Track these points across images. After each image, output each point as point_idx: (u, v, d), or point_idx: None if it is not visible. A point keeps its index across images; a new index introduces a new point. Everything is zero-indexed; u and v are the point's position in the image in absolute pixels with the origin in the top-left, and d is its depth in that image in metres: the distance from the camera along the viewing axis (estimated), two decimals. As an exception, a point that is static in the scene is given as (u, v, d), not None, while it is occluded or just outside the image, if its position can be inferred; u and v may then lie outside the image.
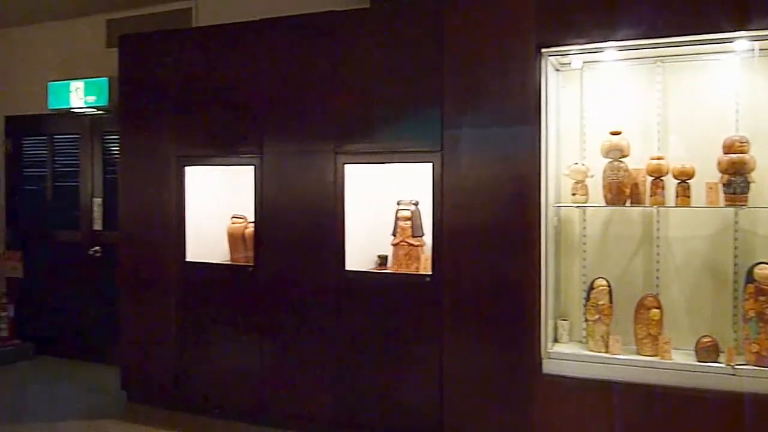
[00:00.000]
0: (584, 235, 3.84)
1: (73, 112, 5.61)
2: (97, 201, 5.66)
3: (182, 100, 4.40)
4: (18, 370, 5.58)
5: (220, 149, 4.34)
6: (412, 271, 3.95)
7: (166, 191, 4.43)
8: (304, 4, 4.36)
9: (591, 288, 3.65)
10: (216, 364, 4.32)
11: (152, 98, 4.51)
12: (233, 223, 4.55)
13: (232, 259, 4.54)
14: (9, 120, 6.08)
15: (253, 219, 4.31)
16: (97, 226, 5.66)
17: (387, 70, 3.85)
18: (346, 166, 3.93)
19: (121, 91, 4.66)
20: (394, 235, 4.05)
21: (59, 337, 5.85)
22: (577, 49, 3.51)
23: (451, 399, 3.68)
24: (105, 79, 5.41)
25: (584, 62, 3.75)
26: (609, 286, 3.63)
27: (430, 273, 3.75)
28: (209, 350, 4.35)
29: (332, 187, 3.95)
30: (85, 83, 5.49)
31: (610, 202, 3.60)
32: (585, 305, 3.67)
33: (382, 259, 4.19)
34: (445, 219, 3.67)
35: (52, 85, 5.63)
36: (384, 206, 4.11)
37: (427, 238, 3.95)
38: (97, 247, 5.63)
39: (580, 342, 3.79)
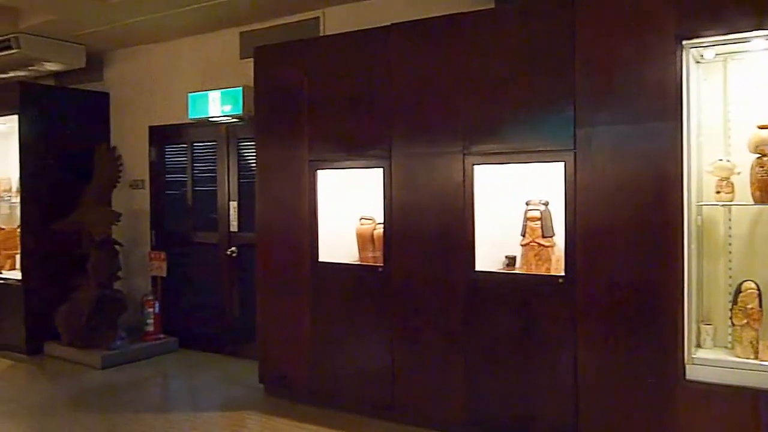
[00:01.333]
0: (730, 236, 3.64)
1: (210, 120, 5.98)
2: (233, 204, 5.99)
3: (314, 106, 4.59)
4: (163, 362, 6.01)
5: (350, 153, 4.48)
6: (542, 272, 3.90)
7: (299, 194, 4.64)
8: (428, 8, 4.44)
9: (738, 291, 3.46)
10: (348, 361, 4.47)
11: (285, 105, 4.73)
12: (362, 224, 4.69)
13: (360, 259, 4.67)
14: (152, 130, 6.56)
15: (381, 220, 4.43)
16: (233, 227, 6.00)
17: (515, 69, 3.83)
18: (475, 167, 3.94)
19: (257, 100, 4.92)
20: (523, 235, 4.02)
21: (200, 332, 6.25)
22: (722, 40, 3.33)
23: (586, 405, 3.60)
24: (239, 89, 5.72)
25: (728, 53, 3.55)
26: (758, 289, 3.43)
27: (563, 274, 3.69)
28: (341, 347, 4.50)
29: (461, 188, 3.98)
30: (222, 93, 5.83)
31: (758, 200, 3.39)
32: (731, 309, 3.48)
33: (511, 260, 4.17)
34: (578, 219, 3.60)
35: (192, 96, 6.02)
36: (511, 206, 4.09)
37: (557, 239, 3.90)
38: (233, 248, 5.97)
39: (725, 347, 3.60)
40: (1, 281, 6.51)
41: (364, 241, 4.66)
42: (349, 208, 4.75)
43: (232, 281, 6.01)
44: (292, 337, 4.70)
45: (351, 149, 4.47)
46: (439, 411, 4.12)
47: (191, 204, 6.34)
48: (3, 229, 7.05)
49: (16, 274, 6.54)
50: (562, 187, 3.67)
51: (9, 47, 6.10)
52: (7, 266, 6.82)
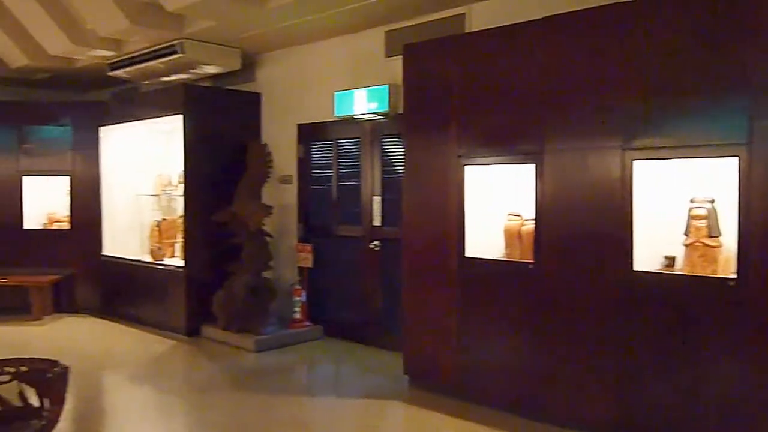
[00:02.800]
0: None
1: (355, 118, 6.17)
2: (377, 199, 6.15)
3: (462, 101, 4.62)
4: (309, 349, 6.29)
5: (499, 148, 4.47)
6: (708, 273, 3.69)
7: (446, 189, 4.69)
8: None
9: None
10: (494, 357, 4.47)
11: (434, 101, 4.79)
12: (509, 220, 4.66)
13: (506, 256, 4.64)
14: (301, 128, 6.87)
15: (530, 217, 4.38)
16: (377, 222, 6.16)
17: (677, 59, 3.64)
18: (634, 162, 3.80)
19: (405, 96, 5.02)
20: (686, 234, 3.82)
21: (343, 322, 6.48)
22: None
23: (758, 426, 3.37)
24: (385, 87, 5.87)
25: None
26: None
27: (734, 276, 3.47)
28: (488, 343, 4.50)
29: (618, 185, 3.85)
30: (367, 91, 6.00)
31: None
32: None
33: (670, 260, 3.97)
34: (755, 218, 3.37)
35: (338, 95, 6.25)
36: (671, 204, 3.90)
37: (724, 239, 3.68)
38: (376, 242, 6.13)
39: None
40: (164, 267, 7.08)
41: (511, 237, 4.63)
42: (495, 203, 4.74)
43: (375, 274, 6.18)
44: (437, 330, 4.77)
45: (501, 145, 4.45)
46: (588, 413, 4.02)
47: (336, 198, 6.58)
48: (165, 219, 7.68)
49: (176, 261, 7.11)
50: (731, 183, 3.45)
51: (174, 52, 6.61)
52: (169, 254, 7.43)
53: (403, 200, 5.04)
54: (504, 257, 4.64)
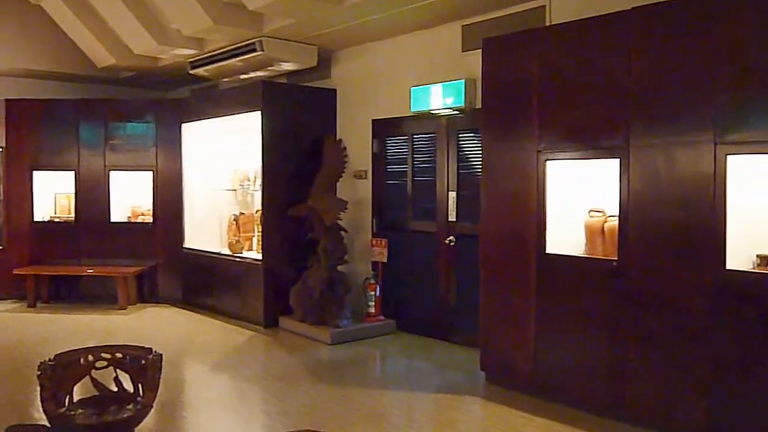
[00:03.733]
0: None
1: (431, 113, 6.16)
2: (452, 194, 6.13)
3: (543, 95, 4.54)
4: (383, 343, 6.34)
5: (581, 143, 4.37)
6: (808, 274, 3.51)
7: (526, 185, 4.62)
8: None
9: None
10: (574, 355, 4.38)
11: (513, 96, 4.73)
12: (591, 216, 4.56)
13: (588, 253, 4.54)
14: (375, 123, 6.92)
15: (613, 213, 4.27)
16: (452, 217, 6.13)
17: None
18: (728, 157, 3.65)
19: (484, 90, 4.97)
20: (785, 233, 3.64)
21: (417, 317, 6.50)
22: None
23: None
24: (461, 82, 5.84)
25: None
26: None
27: (839, 277, 3.29)
28: (568, 340, 4.42)
29: (711, 181, 3.70)
30: (443, 86, 5.98)
31: None
32: None
33: (763, 259, 3.79)
34: None
35: (414, 90, 6.25)
36: (764, 200, 3.72)
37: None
38: (451, 237, 6.11)
39: None
40: (242, 260, 7.28)
41: (593, 233, 4.52)
42: (577, 199, 4.64)
43: (450, 269, 6.16)
44: (515, 327, 4.71)
45: (583, 140, 4.35)
46: (675, 415, 3.89)
47: (410, 194, 6.59)
48: (243, 214, 7.88)
49: (254, 254, 7.30)
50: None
51: (253, 50, 6.77)
52: (246, 247, 7.63)
53: (480, 196, 5.00)
54: (585, 254, 4.55)
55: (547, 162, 4.52)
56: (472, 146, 5.99)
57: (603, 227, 4.45)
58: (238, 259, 7.34)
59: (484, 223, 4.96)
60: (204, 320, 7.39)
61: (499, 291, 4.83)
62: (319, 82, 7.50)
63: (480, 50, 5.04)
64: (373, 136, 6.94)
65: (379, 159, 6.91)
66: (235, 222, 7.79)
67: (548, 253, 4.52)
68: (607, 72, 4.21)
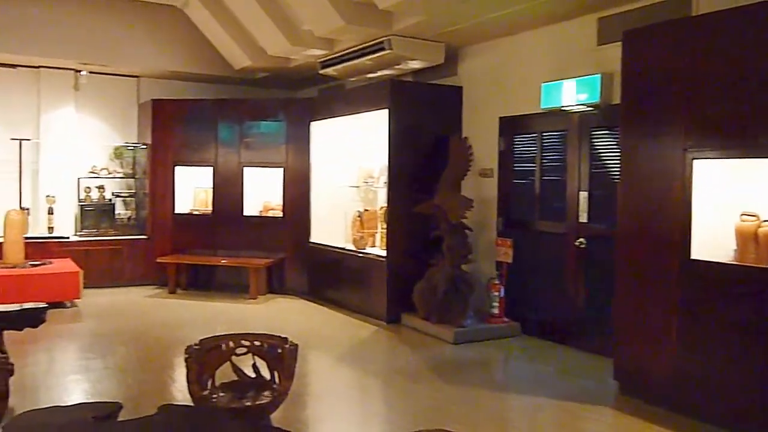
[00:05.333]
0: None
1: (562, 110, 5.96)
2: (583, 194, 5.89)
3: (690, 90, 4.25)
4: (506, 345, 6.21)
5: (734, 141, 4.04)
6: None
7: (670, 185, 4.34)
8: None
9: None
10: (720, 370, 4.06)
11: (657, 90, 4.47)
12: (743, 220, 4.21)
13: (738, 259, 4.20)
14: (502, 120, 6.79)
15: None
16: (583, 218, 5.90)
17: None
18: None
19: (624, 86, 4.72)
20: None
21: (542, 320, 6.32)
22: None
23: None
24: (596, 77, 5.60)
25: None
26: None
27: None
28: (712, 354, 4.11)
29: None
30: (577, 82, 5.76)
31: None
32: None
33: None
34: None
35: (545, 86, 6.07)
36: None
37: None
38: (582, 239, 5.88)
39: None
40: (365, 256, 7.40)
41: (745, 239, 4.17)
42: (727, 201, 4.30)
43: (579, 272, 5.93)
44: (653, 336, 4.45)
45: (736, 137, 4.02)
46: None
47: (538, 193, 6.41)
48: (367, 210, 8.01)
49: (377, 251, 7.40)
50: None
51: (382, 49, 6.85)
52: (370, 243, 7.74)
53: (617, 196, 4.77)
54: (735, 261, 4.21)
55: (695, 161, 4.23)
56: (606, 144, 5.73)
57: (757, 232, 4.11)
58: (361, 255, 7.47)
59: (621, 225, 4.72)
60: (329, 313, 7.58)
61: (636, 297, 4.58)
62: (445, 79, 7.46)
63: (618, 43, 4.81)
64: (500, 134, 6.82)
65: (505, 157, 6.78)
66: (359, 218, 7.93)
67: (693, 259, 4.22)
68: (766, 63, 3.87)
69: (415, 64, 7.29)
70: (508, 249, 6.43)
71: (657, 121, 4.46)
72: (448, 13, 6.08)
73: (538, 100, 6.16)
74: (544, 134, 6.35)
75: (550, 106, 6.03)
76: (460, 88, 7.34)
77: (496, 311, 6.46)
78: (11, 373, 3.72)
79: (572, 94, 5.80)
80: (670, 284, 4.33)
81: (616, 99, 5.18)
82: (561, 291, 6.11)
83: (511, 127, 6.72)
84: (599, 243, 5.67)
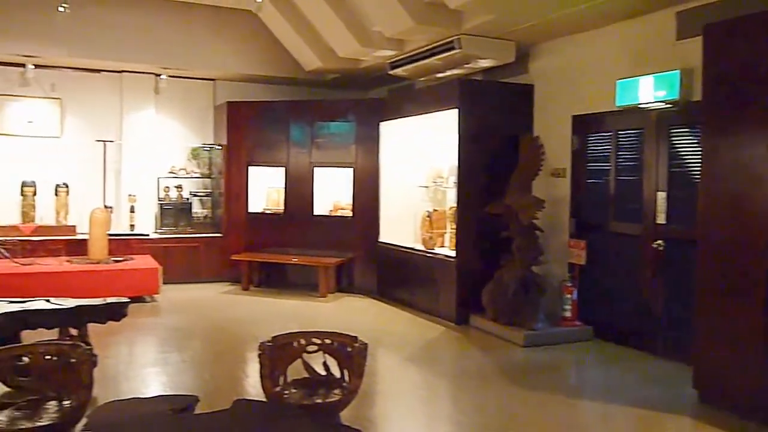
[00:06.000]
0: None
1: (639, 107, 5.77)
2: (661, 195, 5.68)
3: (779, 86, 4.03)
4: (578, 349, 6.06)
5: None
6: None
7: (758, 185, 4.13)
8: None
9: None
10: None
11: (740, 86, 4.26)
12: (837, 223, 3.97)
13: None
14: (575, 119, 6.63)
15: None
16: (660, 219, 5.69)
17: None
18: None
19: (705, 81, 4.52)
20: None
21: (617, 325, 6.13)
22: None
23: None
24: (676, 72, 5.39)
25: None
26: None
27: None
28: (803, 364, 3.90)
29: None
30: (655, 78, 5.57)
31: None
32: None
33: None
34: None
35: (620, 84, 5.89)
36: None
37: None
38: (659, 241, 5.67)
39: None
40: (434, 256, 7.38)
41: (838, 243, 3.93)
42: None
43: (657, 276, 5.71)
44: (737, 344, 4.24)
45: (830, 134, 3.80)
46: None
47: (613, 193, 6.22)
48: (436, 210, 7.99)
49: (446, 251, 7.37)
50: None
51: (452, 48, 6.82)
52: (439, 243, 7.72)
53: (699, 197, 4.58)
54: (827, 266, 3.97)
55: (784, 160, 4.01)
56: (686, 142, 5.51)
57: None
58: (430, 255, 7.45)
59: (703, 226, 4.53)
60: (397, 312, 7.61)
61: (719, 303, 4.37)
62: (516, 78, 7.35)
63: (698, 38, 4.62)
64: (573, 133, 6.66)
65: (578, 156, 6.61)
66: (428, 218, 7.92)
67: (781, 265, 4.01)
68: None
69: (485, 63, 7.21)
70: (581, 251, 6.28)
71: (740, 118, 4.25)
72: (520, 10, 6.00)
73: (613, 98, 5.98)
74: (620, 133, 6.16)
75: (626, 104, 5.85)
76: (531, 87, 7.22)
77: (568, 314, 6.32)
78: (95, 364, 3.91)
79: (650, 91, 5.61)
80: (756, 291, 4.12)
81: (697, 96, 4.97)
82: (637, 294, 5.91)
83: (584, 125, 6.56)
84: (678, 245, 5.46)
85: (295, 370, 3.94)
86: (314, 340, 3.80)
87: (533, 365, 5.64)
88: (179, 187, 9.47)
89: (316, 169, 8.91)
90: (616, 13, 5.93)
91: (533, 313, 6.20)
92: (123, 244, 8.53)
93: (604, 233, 6.30)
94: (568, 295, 6.30)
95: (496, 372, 5.43)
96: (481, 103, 7.01)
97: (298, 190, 8.96)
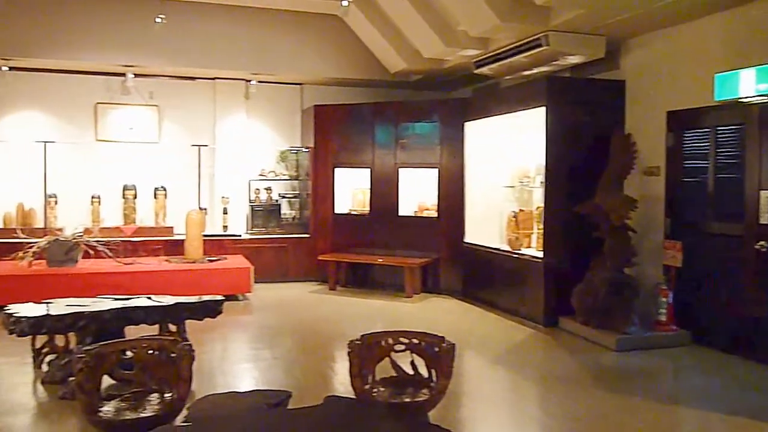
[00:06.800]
0: None
1: (739, 102, 5.47)
2: (765, 194, 5.36)
3: None
4: (674, 355, 5.82)
5: None
6: None
7: None
8: None
9: None
10: None
11: None
12: None
13: None
14: (671, 115, 6.36)
15: None
16: (764, 219, 5.37)
17: None
18: None
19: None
20: None
21: (716, 329, 5.84)
22: None
23: None
24: (782, 64, 5.09)
25: None
26: None
27: None
28: None
29: None
30: (757, 71, 5.26)
31: None
32: None
33: None
34: None
35: (719, 77, 5.60)
36: None
37: None
38: (762, 242, 5.35)
39: None
40: (521, 257, 7.27)
41: None
42: None
43: (759, 278, 5.40)
44: None
45: None
46: None
47: (711, 192, 5.93)
48: (522, 210, 7.87)
49: (532, 252, 7.24)
50: None
51: (539, 45, 6.70)
52: (525, 244, 7.60)
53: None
54: None
55: None
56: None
57: None
58: (517, 256, 7.35)
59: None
60: (482, 314, 7.55)
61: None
62: (606, 74, 7.14)
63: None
64: (668, 130, 6.40)
65: (674, 154, 6.34)
66: (514, 218, 7.82)
67: None
68: None
69: (574, 60, 7.04)
70: (677, 252, 6.02)
71: None
72: (612, 4, 5.82)
73: (711, 92, 5.69)
74: (719, 128, 5.87)
75: (726, 98, 5.56)
76: (622, 83, 6.99)
77: (663, 318, 6.07)
78: (193, 358, 4.10)
79: (751, 84, 5.29)
80: None
81: (806, 88, 4.68)
82: (737, 298, 5.61)
83: (680, 121, 6.28)
84: (785, 247, 5.16)
85: (383, 369, 3.99)
86: (402, 339, 3.83)
87: (626, 370, 5.46)
88: (269, 189, 9.76)
89: (401, 170, 8.97)
90: (716, 3, 5.66)
91: (626, 317, 5.99)
92: (217, 245, 8.89)
93: (701, 234, 6.02)
94: (664, 299, 6.05)
95: (586, 376, 5.29)
96: (569, 100, 6.85)
97: (384, 191, 9.04)
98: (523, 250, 7.43)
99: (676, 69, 6.33)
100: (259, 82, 9.76)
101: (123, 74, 9.16)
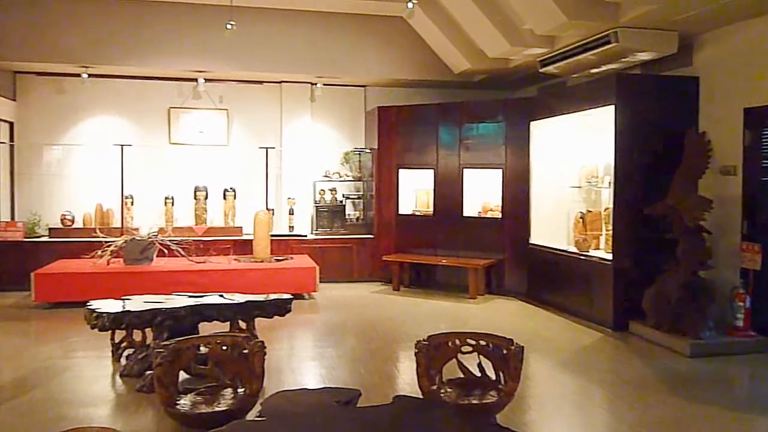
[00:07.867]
0: None
1: (825, 97, 5.22)
2: None
3: None
4: (752, 362, 5.60)
5: None
6: None
7: None
8: None
9: None
10: None
11: None
12: None
13: None
14: (748, 112, 6.11)
15: None
16: None
17: None
18: None
19: None
20: None
21: (798, 336, 5.60)
22: None
23: None
24: None
25: None
26: None
27: None
28: None
29: None
30: None
31: None
32: None
33: None
34: None
35: (802, 72, 5.37)
36: None
37: None
38: None
39: None
40: (589, 259, 7.12)
41: None
42: None
43: None
44: None
45: None
46: None
47: (794, 192, 5.69)
48: (590, 211, 7.71)
49: (601, 253, 7.09)
50: None
51: (607, 42, 6.56)
52: (593, 246, 7.44)
53: None
54: None
55: None
56: None
57: None
58: (584, 258, 7.21)
59: None
60: (548, 316, 7.44)
61: None
62: (678, 70, 6.92)
63: None
64: (746, 127, 6.15)
65: (752, 152, 6.09)
66: (581, 220, 7.67)
67: None
68: None
69: (644, 56, 6.86)
70: (756, 255, 5.78)
71: None
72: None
73: (793, 88, 5.47)
74: (802, 125, 5.62)
75: (810, 94, 5.32)
76: (696, 79, 6.76)
77: (740, 324, 5.84)
78: (265, 355, 4.21)
79: (838, 79, 5.05)
80: None
81: None
82: (823, 304, 5.35)
83: (759, 118, 6.04)
84: None
85: (450, 370, 4.00)
86: (469, 341, 3.84)
87: (701, 376, 5.27)
88: (333, 190, 9.90)
89: (465, 170, 8.93)
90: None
91: (700, 321, 5.79)
92: (283, 244, 9.07)
93: (784, 235, 5.77)
94: (741, 303, 5.82)
95: (658, 382, 5.14)
96: (639, 98, 6.67)
97: (447, 192, 9.03)
98: (591, 252, 7.28)
99: (754, 64, 6.08)
100: (324, 84, 9.91)
101: (195, 79, 9.49)
